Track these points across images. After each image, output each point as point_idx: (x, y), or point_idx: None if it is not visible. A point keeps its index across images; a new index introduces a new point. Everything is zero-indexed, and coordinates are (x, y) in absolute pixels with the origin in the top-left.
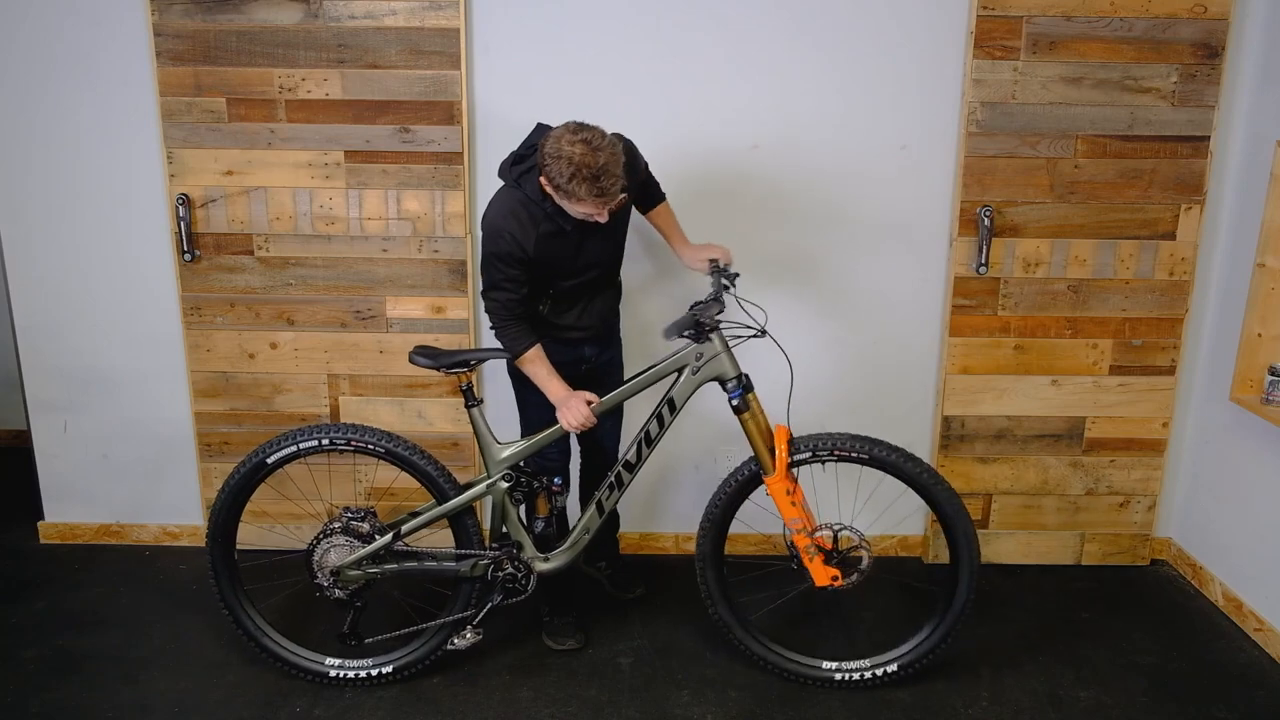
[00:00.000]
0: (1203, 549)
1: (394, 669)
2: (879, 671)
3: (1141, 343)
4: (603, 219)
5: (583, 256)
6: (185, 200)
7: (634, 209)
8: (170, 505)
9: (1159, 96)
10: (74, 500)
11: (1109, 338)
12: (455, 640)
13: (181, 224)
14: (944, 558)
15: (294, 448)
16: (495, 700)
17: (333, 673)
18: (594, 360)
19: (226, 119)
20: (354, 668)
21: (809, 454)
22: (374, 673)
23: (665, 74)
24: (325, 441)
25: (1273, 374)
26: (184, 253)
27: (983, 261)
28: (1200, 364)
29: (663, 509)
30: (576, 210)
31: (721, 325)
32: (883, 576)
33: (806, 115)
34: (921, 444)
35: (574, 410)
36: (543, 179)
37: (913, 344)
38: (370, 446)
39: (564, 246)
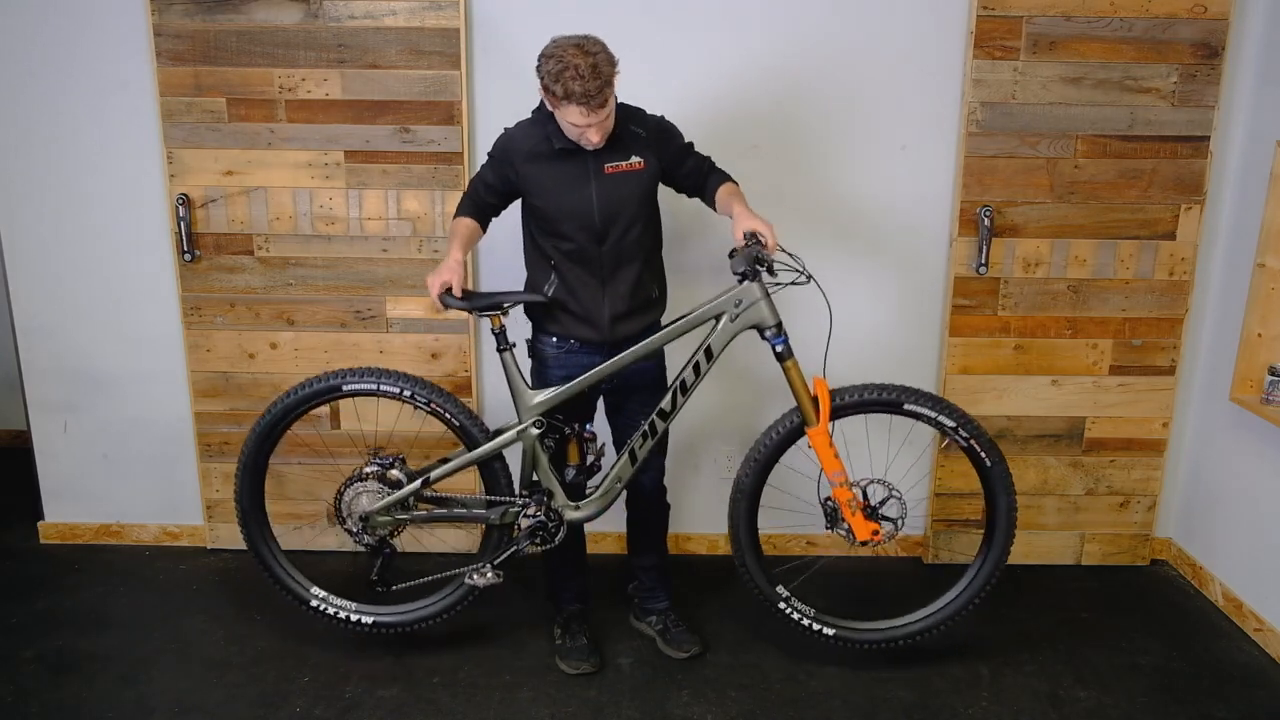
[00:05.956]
0: (1203, 549)
1: (374, 621)
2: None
3: (1141, 343)
4: (594, 139)
5: (577, 198)
6: (185, 200)
7: (705, 204)
8: (170, 505)
9: (1159, 96)
10: (74, 500)
11: (1109, 338)
12: (474, 577)
13: (181, 224)
14: (945, 558)
15: (374, 385)
16: (495, 700)
17: (314, 603)
18: (615, 380)
19: (226, 119)
20: (336, 606)
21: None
22: (351, 618)
23: (665, 73)
24: (407, 394)
25: (1273, 374)
26: (184, 253)
27: (983, 261)
28: (1200, 364)
29: None
30: (568, 121)
31: (775, 264)
32: (883, 576)
33: (806, 115)
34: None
35: (434, 280)
36: (541, 91)
37: (913, 344)
38: (447, 415)
39: (555, 176)
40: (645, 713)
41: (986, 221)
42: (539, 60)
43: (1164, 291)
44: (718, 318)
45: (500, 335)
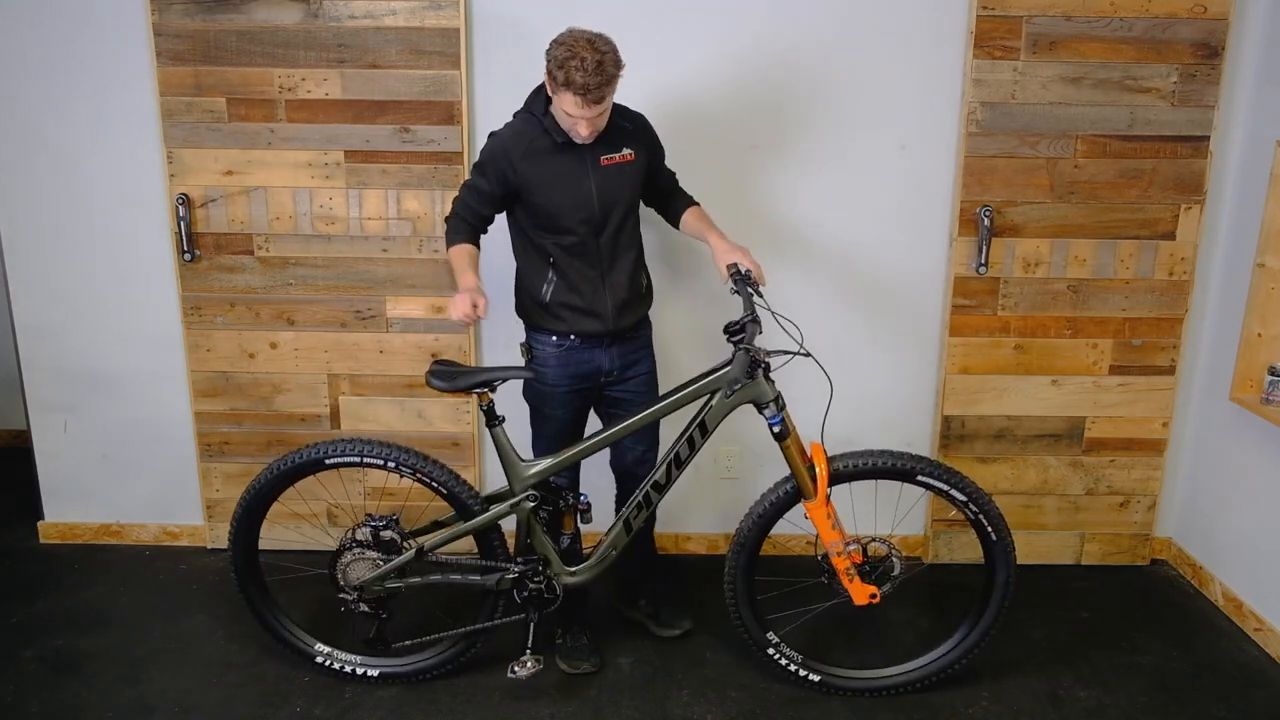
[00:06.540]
0: (1203, 549)
1: (380, 674)
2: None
3: (1141, 343)
4: (583, 133)
5: (578, 191)
6: (185, 200)
7: (668, 221)
8: (170, 505)
9: (1159, 96)
10: (74, 500)
11: (1109, 338)
12: (515, 669)
13: (181, 224)
14: (945, 558)
15: (357, 459)
16: (495, 700)
17: (318, 659)
18: (614, 374)
19: (226, 119)
20: (341, 660)
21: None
22: (358, 671)
23: (664, 73)
24: (391, 464)
25: (1273, 374)
26: (184, 252)
27: (983, 261)
28: (1200, 364)
29: (665, 509)
30: (562, 109)
31: (770, 358)
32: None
33: (806, 114)
34: (921, 444)
35: (459, 303)
36: (545, 75)
37: (913, 344)
38: (433, 483)
39: (554, 170)
40: (645, 713)
41: (986, 221)
42: (550, 45)
43: (1164, 291)
44: (713, 393)
45: (489, 411)
